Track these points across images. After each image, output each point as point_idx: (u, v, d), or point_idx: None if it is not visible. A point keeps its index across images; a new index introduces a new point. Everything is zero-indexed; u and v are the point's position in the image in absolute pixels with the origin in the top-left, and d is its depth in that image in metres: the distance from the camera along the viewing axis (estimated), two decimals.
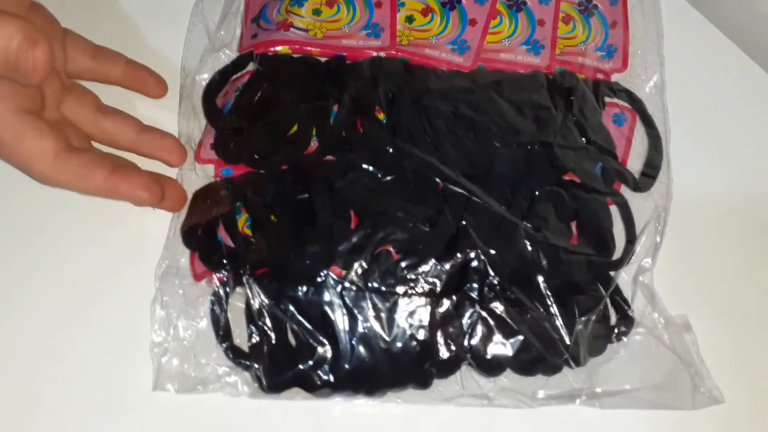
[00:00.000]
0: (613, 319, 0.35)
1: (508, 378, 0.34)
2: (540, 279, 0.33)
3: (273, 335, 0.33)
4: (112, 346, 0.34)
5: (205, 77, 0.39)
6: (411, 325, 0.33)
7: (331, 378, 0.33)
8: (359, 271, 0.33)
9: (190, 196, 0.37)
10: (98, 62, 0.37)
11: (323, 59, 0.39)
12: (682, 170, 0.39)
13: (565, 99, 0.38)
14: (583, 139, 0.37)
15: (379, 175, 0.36)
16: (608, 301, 0.35)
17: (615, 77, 0.41)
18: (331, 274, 0.33)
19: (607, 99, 0.40)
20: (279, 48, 0.39)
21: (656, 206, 0.37)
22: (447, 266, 0.34)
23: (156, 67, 0.39)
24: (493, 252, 0.34)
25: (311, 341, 0.33)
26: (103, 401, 0.33)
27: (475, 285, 0.33)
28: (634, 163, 0.39)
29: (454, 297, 0.33)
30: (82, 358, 0.34)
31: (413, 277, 0.34)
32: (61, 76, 0.35)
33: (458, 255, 0.34)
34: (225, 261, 0.34)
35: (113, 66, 0.37)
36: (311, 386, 0.33)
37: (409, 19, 0.41)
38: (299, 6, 0.40)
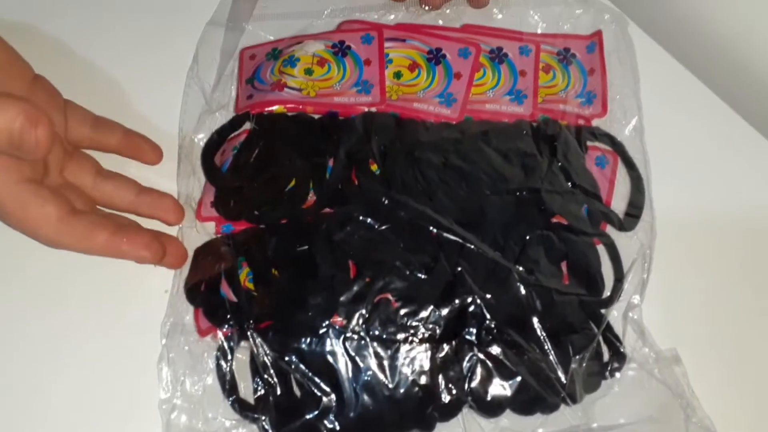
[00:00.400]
0: (606, 355, 0.37)
1: (508, 418, 0.34)
2: (535, 320, 0.35)
3: (278, 387, 0.34)
4: (121, 405, 0.35)
5: (202, 137, 0.41)
6: (412, 371, 0.34)
7: (337, 426, 0.33)
8: (360, 320, 0.35)
9: (191, 253, 0.38)
10: (97, 132, 0.38)
11: (317, 116, 0.41)
12: (664, 208, 0.40)
13: (550, 145, 0.40)
14: (569, 183, 0.39)
15: (376, 226, 0.37)
16: (600, 338, 0.36)
17: (595, 122, 0.43)
18: (333, 324, 0.34)
19: (589, 143, 0.42)
20: (274, 107, 0.41)
21: (641, 244, 0.39)
22: (445, 312, 0.35)
23: (154, 129, 0.41)
24: (488, 296, 0.35)
25: (316, 391, 0.34)
26: None
27: (473, 329, 0.35)
28: (618, 204, 0.40)
29: (453, 342, 0.34)
30: (91, 420, 0.35)
31: (413, 323, 0.35)
32: (63, 143, 0.37)
33: (455, 301, 0.35)
34: (229, 316, 0.35)
35: (111, 135, 0.39)
36: None
37: (397, 75, 0.43)
38: (292, 66, 0.42)
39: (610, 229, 0.39)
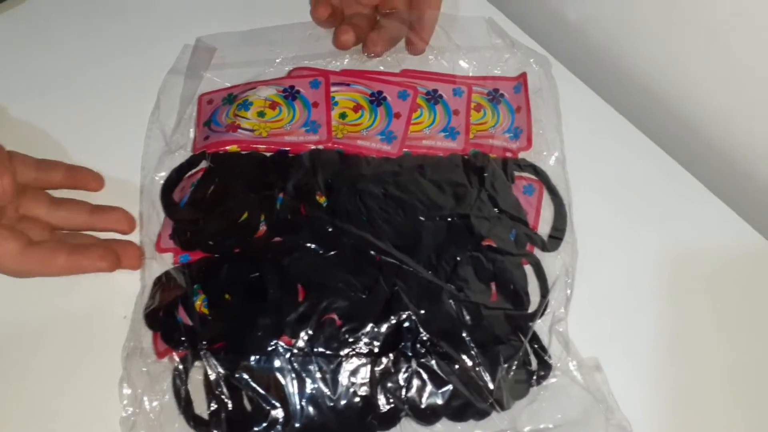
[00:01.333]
0: (535, 365, 0.40)
1: (443, 424, 0.37)
2: (464, 333, 0.38)
3: (230, 402, 0.37)
4: (85, 423, 0.37)
5: (162, 175, 0.44)
6: (353, 383, 0.37)
7: None
8: (305, 338, 0.38)
9: (151, 283, 0.41)
10: (41, 172, 0.42)
11: (268, 154, 0.45)
12: (584, 230, 0.44)
13: (479, 176, 0.44)
14: (496, 209, 0.43)
15: (321, 252, 0.40)
16: (529, 349, 0.40)
17: (522, 154, 0.47)
18: (281, 343, 0.37)
19: (516, 173, 0.46)
20: (229, 147, 0.44)
21: (564, 263, 0.43)
22: (383, 328, 0.38)
23: (119, 169, 0.45)
24: (422, 312, 0.38)
25: (265, 405, 0.36)
26: None
27: (409, 343, 0.38)
28: (544, 227, 0.44)
29: (391, 355, 0.38)
30: None
31: (354, 339, 0.38)
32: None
33: (392, 317, 0.38)
34: (183, 338, 0.38)
35: (54, 173, 0.43)
36: None
37: (343, 116, 0.47)
38: (245, 110, 0.46)
39: (537, 251, 0.43)
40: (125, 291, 0.41)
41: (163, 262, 0.41)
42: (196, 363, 0.38)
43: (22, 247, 0.38)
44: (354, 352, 0.38)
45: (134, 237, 0.43)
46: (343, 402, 0.37)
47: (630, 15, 0.54)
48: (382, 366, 0.38)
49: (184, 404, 0.37)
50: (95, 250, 0.40)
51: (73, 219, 0.42)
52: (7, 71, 0.50)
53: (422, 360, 0.38)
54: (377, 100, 0.48)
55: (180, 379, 0.38)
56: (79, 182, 0.44)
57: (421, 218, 0.42)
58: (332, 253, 0.41)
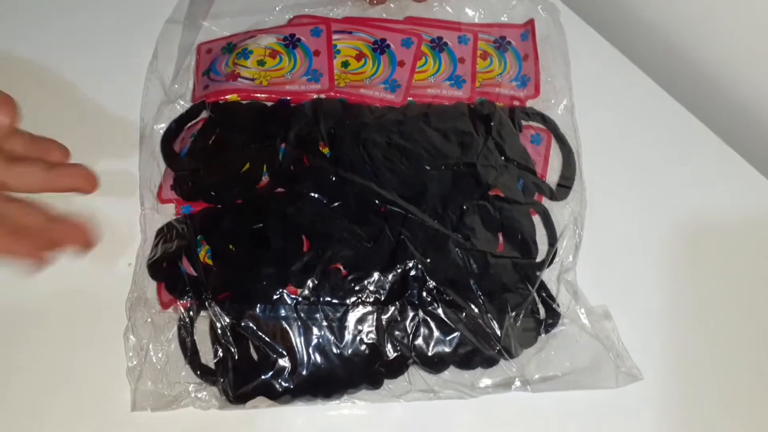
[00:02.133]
0: (543, 314, 0.39)
1: (451, 373, 0.37)
2: (471, 282, 0.38)
3: (236, 351, 0.36)
4: (92, 373, 0.37)
5: (162, 126, 0.44)
6: (360, 331, 0.37)
7: (291, 385, 0.36)
8: (311, 287, 0.37)
9: (152, 234, 0.40)
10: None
11: (269, 104, 0.44)
12: (593, 179, 0.44)
13: (485, 125, 0.43)
14: (503, 158, 0.42)
15: (325, 202, 0.40)
16: (537, 298, 0.39)
17: (530, 103, 0.46)
18: (286, 291, 0.37)
19: (524, 122, 0.45)
20: (228, 96, 0.43)
21: (573, 212, 0.42)
22: (390, 277, 0.38)
23: (117, 120, 0.44)
24: (429, 261, 0.38)
25: (271, 354, 0.36)
26: (86, 425, 0.36)
27: (415, 291, 0.37)
28: (552, 177, 0.43)
29: (397, 303, 0.37)
30: (68, 390, 0.37)
31: (360, 288, 0.37)
32: None
33: (398, 266, 0.38)
34: (188, 288, 0.38)
35: (16, 139, 0.36)
36: (273, 394, 0.36)
37: (345, 64, 0.46)
38: (245, 58, 0.45)
39: (545, 200, 0.42)
40: (127, 243, 0.40)
41: (164, 213, 0.41)
42: (201, 313, 0.38)
43: None
44: (360, 301, 0.37)
45: (134, 193, 0.42)
46: (349, 350, 0.36)
47: None
48: (388, 314, 0.37)
49: (190, 354, 0.37)
50: (32, 238, 0.34)
51: (31, 176, 0.35)
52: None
53: (429, 308, 0.37)
54: (380, 47, 0.46)
55: (185, 329, 0.37)
56: (40, 151, 0.37)
57: (427, 167, 0.41)
58: (336, 203, 0.40)
